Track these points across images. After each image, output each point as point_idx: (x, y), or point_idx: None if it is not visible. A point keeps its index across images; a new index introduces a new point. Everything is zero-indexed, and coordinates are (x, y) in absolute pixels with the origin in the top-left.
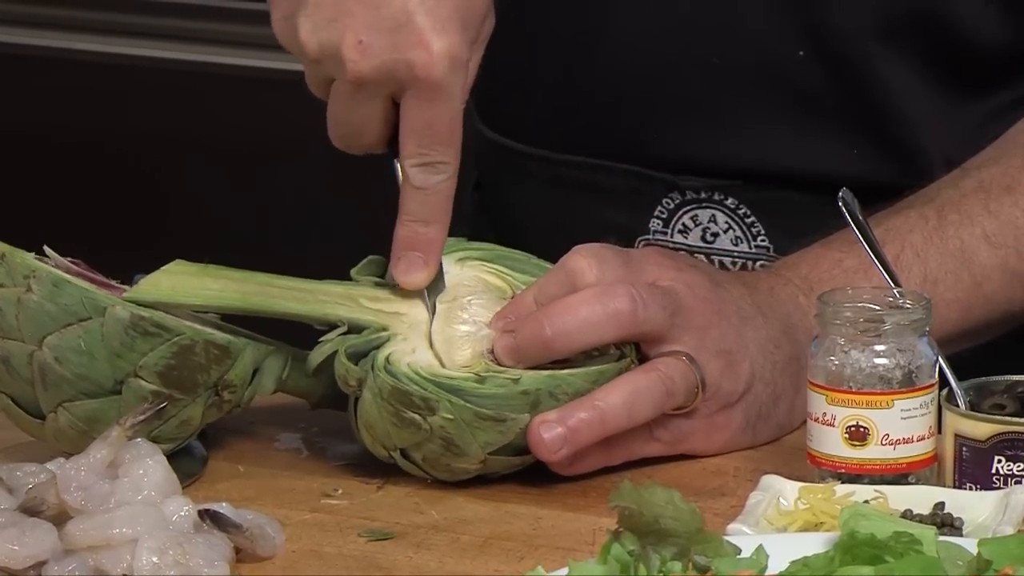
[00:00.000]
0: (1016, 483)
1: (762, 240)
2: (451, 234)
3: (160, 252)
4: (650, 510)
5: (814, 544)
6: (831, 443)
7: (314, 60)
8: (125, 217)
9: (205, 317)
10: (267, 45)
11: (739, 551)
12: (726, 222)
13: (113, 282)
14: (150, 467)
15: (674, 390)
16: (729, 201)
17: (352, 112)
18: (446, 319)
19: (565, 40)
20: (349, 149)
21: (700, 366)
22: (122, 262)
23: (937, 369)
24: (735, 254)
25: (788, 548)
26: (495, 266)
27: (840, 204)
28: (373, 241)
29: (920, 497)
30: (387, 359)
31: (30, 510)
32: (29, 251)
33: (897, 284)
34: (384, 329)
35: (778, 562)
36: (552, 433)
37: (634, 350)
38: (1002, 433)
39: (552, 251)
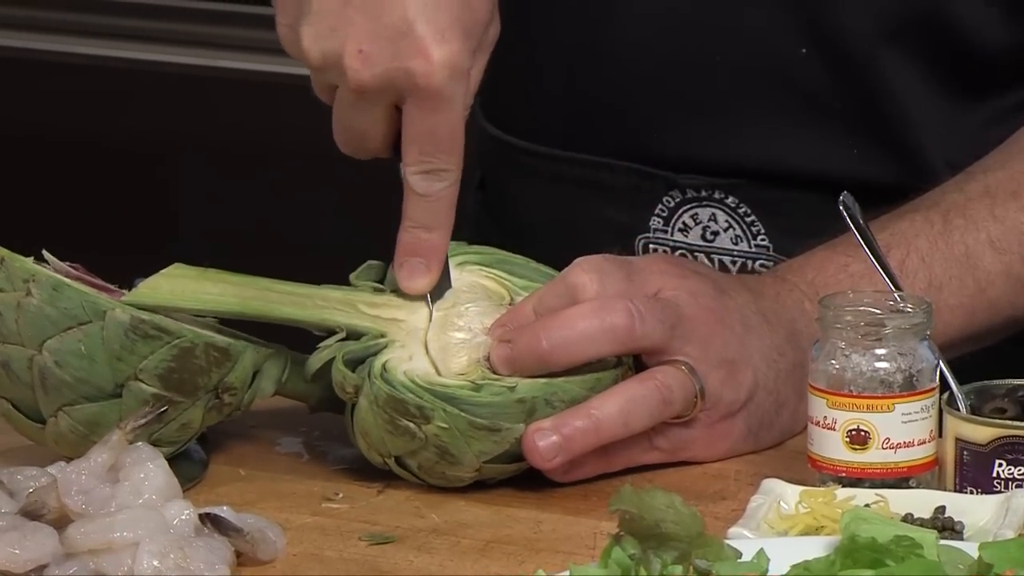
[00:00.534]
0: (1017, 487)
1: (762, 239)
2: (454, 235)
3: (160, 257)
4: (651, 514)
5: (815, 548)
6: (832, 447)
7: (317, 68)
8: (125, 222)
9: (204, 322)
10: (267, 49)
11: (740, 555)
12: (726, 221)
13: (112, 287)
14: (151, 471)
15: (671, 399)
16: (730, 200)
17: (356, 118)
18: (442, 326)
19: (568, 38)
20: (355, 154)
21: (700, 376)
22: (122, 267)
23: (938, 373)
24: (735, 253)
25: (789, 552)
26: (494, 271)
27: (841, 208)
28: (373, 246)
29: (921, 501)
30: (384, 366)
31: (31, 514)
32: (28, 256)
33: (898, 288)
34: (382, 335)
35: (779, 566)
36: (547, 441)
37: (631, 357)
38: (1003, 437)
39: (553, 248)
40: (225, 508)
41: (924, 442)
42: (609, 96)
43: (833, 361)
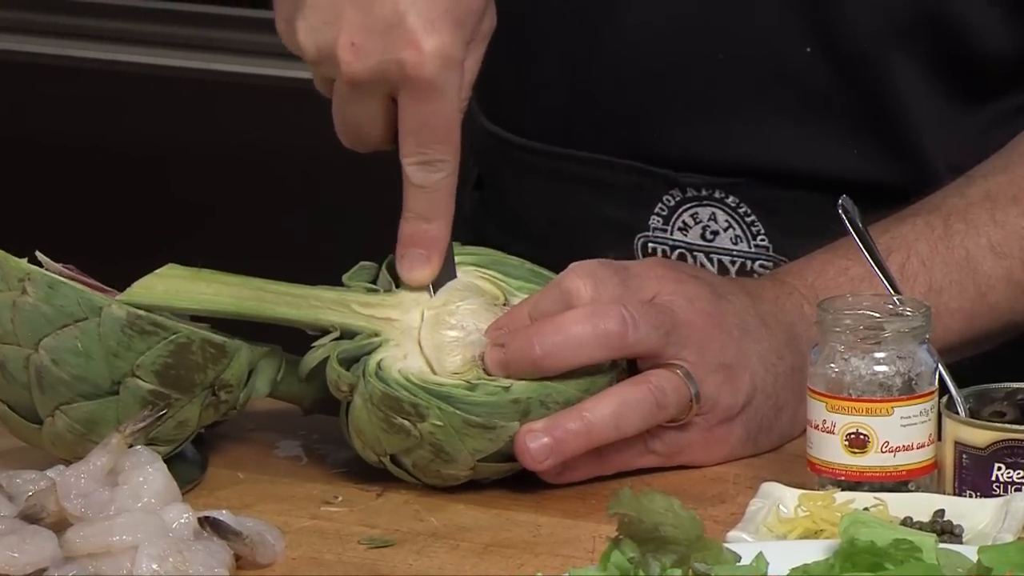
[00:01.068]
0: (1016, 490)
1: (761, 239)
2: (453, 234)
3: (155, 260)
4: (650, 517)
5: (814, 551)
6: (831, 450)
7: (312, 61)
8: (120, 225)
9: (199, 324)
10: (264, 53)
11: (739, 558)
12: (726, 221)
13: (106, 287)
14: (150, 474)
15: (665, 403)
16: (730, 199)
17: (354, 111)
18: (434, 324)
19: (570, 34)
20: (356, 147)
21: (696, 380)
22: (117, 270)
23: (937, 376)
24: (734, 253)
25: (788, 555)
26: (489, 271)
27: (840, 211)
28: (366, 248)
29: (920, 504)
30: (378, 365)
31: (30, 517)
32: (23, 258)
33: (897, 291)
34: (376, 335)
35: (778, 569)
36: (538, 443)
37: (626, 361)
38: (1002, 440)
39: (552, 246)
40: (224, 511)
41: (923, 446)
42: (610, 93)
43: (832, 364)
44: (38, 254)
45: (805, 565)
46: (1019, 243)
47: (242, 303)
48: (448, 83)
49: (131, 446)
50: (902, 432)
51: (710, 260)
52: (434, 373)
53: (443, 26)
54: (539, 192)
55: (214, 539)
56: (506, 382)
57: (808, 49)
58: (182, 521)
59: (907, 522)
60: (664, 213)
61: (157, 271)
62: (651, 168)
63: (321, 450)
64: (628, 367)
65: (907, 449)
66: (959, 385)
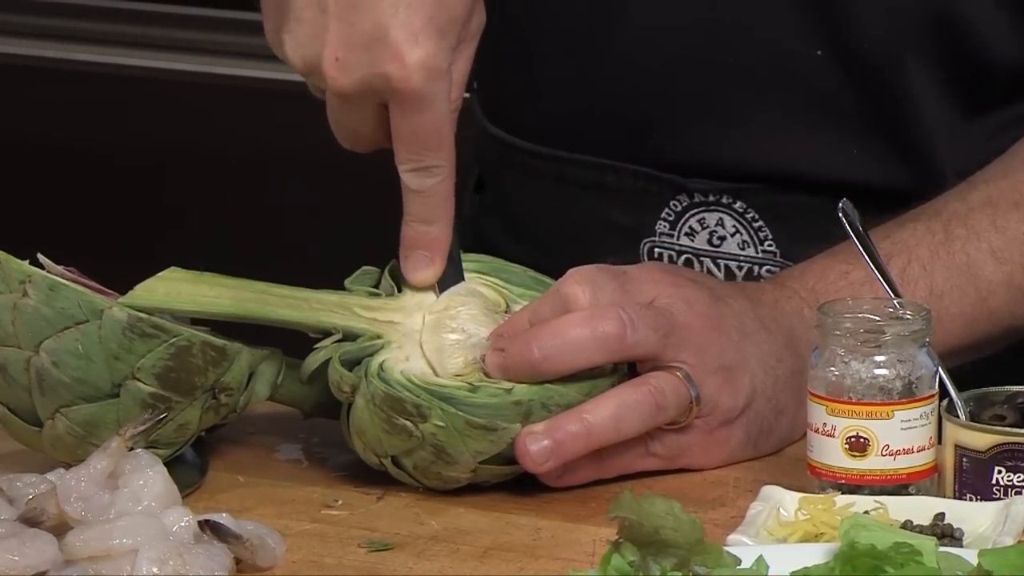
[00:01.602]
0: (1016, 494)
1: (769, 245)
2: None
3: (155, 264)
4: (650, 521)
5: (814, 555)
6: (831, 454)
7: (301, 73)
8: (121, 228)
9: (199, 328)
10: (263, 56)
11: (739, 562)
12: (733, 226)
13: (107, 290)
14: (150, 478)
15: (665, 405)
16: (737, 205)
17: (347, 119)
18: (435, 328)
19: (576, 38)
20: (355, 148)
21: (696, 383)
22: (117, 273)
23: (937, 380)
24: (741, 258)
25: (788, 559)
26: (490, 278)
27: (840, 215)
28: (368, 252)
29: (920, 508)
30: (380, 366)
31: (30, 520)
32: (24, 260)
33: (897, 294)
34: (378, 337)
35: (778, 572)
36: (538, 445)
37: (627, 365)
38: (1002, 444)
39: (556, 250)
40: (224, 515)
41: (923, 449)
42: (617, 98)
43: (832, 368)
44: (39, 256)
45: (805, 568)
46: (1020, 248)
47: (244, 305)
48: (435, 93)
49: (131, 449)
50: (902, 435)
51: (717, 265)
52: (436, 375)
53: (426, 37)
54: (544, 196)
55: (214, 542)
56: (508, 384)
57: (818, 52)
58: (182, 524)
59: (907, 525)
60: (671, 218)
61: (159, 274)
62: (658, 173)
63: (321, 453)
64: (629, 371)
65: (907, 452)
66: (959, 388)
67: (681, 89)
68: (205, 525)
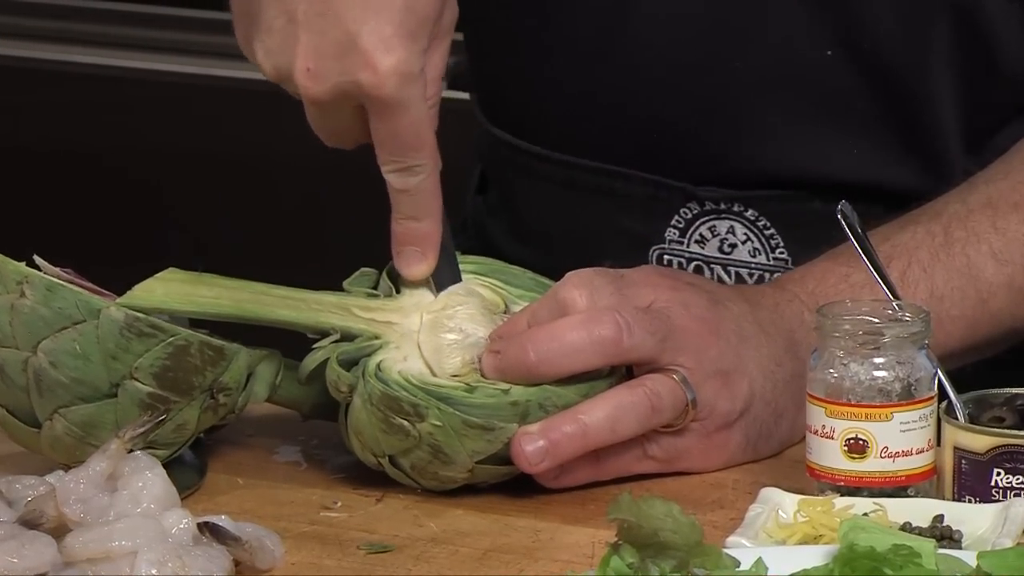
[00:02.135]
0: (1015, 496)
1: (780, 252)
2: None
3: (152, 266)
4: (649, 523)
5: (813, 557)
6: (830, 456)
7: (274, 81)
8: (118, 230)
9: (198, 329)
10: None
11: (738, 564)
12: (744, 234)
13: (104, 291)
14: (149, 479)
15: (660, 407)
16: (748, 212)
17: (326, 122)
18: (432, 328)
19: (584, 43)
20: (340, 146)
21: (692, 386)
22: (115, 276)
23: (936, 382)
24: (752, 266)
25: (787, 561)
26: (490, 280)
27: (839, 217)
28: (366, 254)
29: (919, 510)
30: (378, 366)
31: (29, 523)
32: (20, 261)
33: (896, 296)
34: (376, 337)
35: (777, 575)
36: (534, 446)
37: (624, 367)
38: (1001, 446)
39: (563, 254)
40: (223, 517)
41: (922, 451)
42: (625, 104)
43: (831, 370)
44: (36, 257)
45: (804, 570)
46: (1020, 250)
47: (242, 306)
48: (410, 97)
49: (130, 451)
50: (901, 437)
51: (727, 273)
52: (433, 375)
53: (398, 43)
54: (552, 200)
55: (213, 544)
56: (505, 385)
57: (829, 52)
58: (181, 526)
59: (906, 527)
60: (681, 226)
61: (157, 275)
62: (668, 181)
63: (320, 455)
64: (627, 372)
65: (906, 454)
66: (958, 390)
67: (689, 95)
68: (204, 527)
